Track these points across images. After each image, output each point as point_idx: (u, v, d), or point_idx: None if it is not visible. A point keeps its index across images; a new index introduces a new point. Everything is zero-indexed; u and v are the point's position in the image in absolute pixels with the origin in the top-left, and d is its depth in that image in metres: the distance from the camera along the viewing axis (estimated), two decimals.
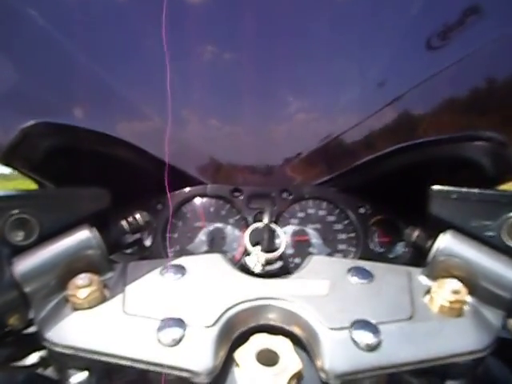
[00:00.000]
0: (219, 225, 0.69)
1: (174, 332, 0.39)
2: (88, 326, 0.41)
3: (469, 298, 0.45)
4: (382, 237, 0.71)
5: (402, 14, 0.56)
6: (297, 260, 0.68)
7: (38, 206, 0.47)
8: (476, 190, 0.49)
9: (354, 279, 0.46)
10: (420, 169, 0.62)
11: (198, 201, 0.70)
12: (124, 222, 0.57)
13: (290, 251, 0.68)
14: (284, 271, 0.53)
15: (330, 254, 0.68)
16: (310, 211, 0.70)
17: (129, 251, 0.67)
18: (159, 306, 0.43)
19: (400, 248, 0.70)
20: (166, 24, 0.50)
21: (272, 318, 0.44)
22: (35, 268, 0.44)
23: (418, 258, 0.54)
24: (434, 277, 0.47)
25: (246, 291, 0.44)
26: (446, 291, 0.43)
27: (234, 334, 0.42)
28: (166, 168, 0.54)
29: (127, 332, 0.40)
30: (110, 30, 0.56)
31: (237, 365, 0.40)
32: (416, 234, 0.57)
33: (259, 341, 0.41)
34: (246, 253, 0.66)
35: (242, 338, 0.41)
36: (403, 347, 0.40)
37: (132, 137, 0.60)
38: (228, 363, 0.40)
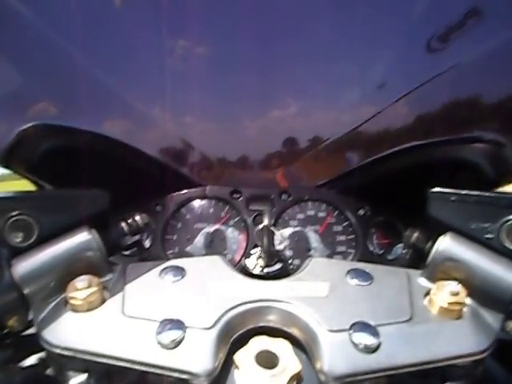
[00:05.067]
0: (218, 226, 0.69)
1: (174, 334, 0.39)
2: (87, 328, 0.41)
3: (468, 300, 0.45)
4: (382, 238, 0.71)
5: (403, 16, 0.56)
6: (296, 262, 0.68)
7: (37, 208, 0.47)
8: (475, 193, 0.49)
9: (354, 281, 0.46)
10: (419, 171, 0.62)
11: (197, 202, 0.70)
12: (123, 224, 0.57)
13: (290, 253, 0.68)
14: (283, 273, 0.53)
15: (329, 256, 0.68)
16: (310, 213, 0.70)
17: (128, 253, 0.67)
18: (159, 307, 0.43)
19: (399, 250, 0.70)
20: (166, 25, 0.51)
21: (271, 320, 0.44)
22: (34, 270, 0.44)
23: (417, 259, 0.54)
24: (433, 279, 0.47)
25: (246, 293, 0.44)
26: (445, 293, 0.43)
27: (234, 335, 0.42)
28: (170, 170, 0.54)
29: (126, 334, 0.40)
30: (108, 32, 0.56)
31: (236, 367, 0.40)
32: (415, 235, 0.57)
33: (258, 343, 0.41)
34: (246, 254, 0.66)
35: (242, 340, 0.41)
36: (402, 349, 0.40)
37: (131, 138, 0.60)
38: (227, 365, 0.40)
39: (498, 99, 0.57)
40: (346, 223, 0.70)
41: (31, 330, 0.44)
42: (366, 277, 0.47)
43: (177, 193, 0.69)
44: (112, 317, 0.42)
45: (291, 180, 0.69)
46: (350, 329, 0.40)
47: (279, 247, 0.61)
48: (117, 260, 0.60)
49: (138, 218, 0.59)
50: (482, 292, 0.44)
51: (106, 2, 0.54)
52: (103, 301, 0.44)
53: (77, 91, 0.55)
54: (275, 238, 0.60)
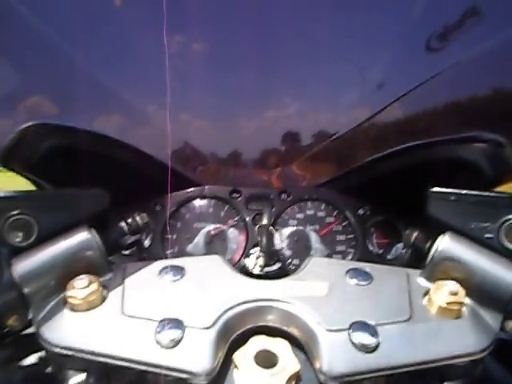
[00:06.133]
0: (218, 226, 0.69)
1: (173, 333, 0.39)
2: (86, 328, 0.41)
3: (467, 300, 0.45)
4: (381, 238, 0.71)
5: (402, 16, 0.56)
6: (295, 261, 0.68)
7: (36, 207, 0.47)
8: (474, 192, 0.49)
9: (353, 281, 0.46)
10: (419, 170, 0.62)
11: (196, 202, 0.70)
12: (123, 224, 0.57)
13: (289, 252, 0.68)
14: (283, 272, 0.53)
15: (328, 255, 0.68)
16: (309, 212, 0.70)
17: (127, 252, 0.67)
18: (158, 307, 0.43)
19: (398, 249, 0.70)
20: (164, 22, 0.50)
21: (270, 320, 0.44)
22: (34, 269, 0.44)
23: (417, 259, 0.54)
24: (432, 278, 0.47)
25: (245, 292, 0.44)
26: (444, 293, 0.43)
27: (233, 335, 0.42)
28: (169, 169, 0.54)
29: (126, 333, 0.40)
30: (108, 31, 0.56)
31: (235, 366, 0.40)
32: (415, 235, 0.57)
33: (257, 342, 0.41)
34: (245, 254, 0.66)
35: (241, 340, 0.41)
36: (401, 349, 0.40)
37: (130, 138, 0.60)
38: (226, 364, 0.40)
39: (497, 99, 0.57)
40: (346, 223, 0.70)
41: (31, 329, 0.44)
42: (365, 276, 0.47)
43: (176, 192, 0.69)
44: (111, 316, 0.42)
45: (291, 179, 0.69)
46: (350, 328, 0.40)
47: (278, 247, 0.61)
48: (116, 259, 0.60)
49: (137, 217, 0.59)
50: (482, 292, 0.44)
51: None
52: (102, 300, 0.44)
53: (75, 90, 0.55)
54: (274, 237, 0.60)
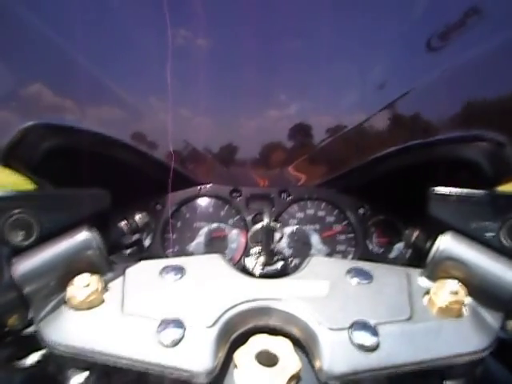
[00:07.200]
0: (218, 225, 0.69)
1: (174, 333, 0.39)
2: (87, 327, 0.41)
3: (468, 299, 0.45)
4: (381, 237, 0.71)
5: (402, 16, 0.56)
6: (296, 261, 0.68)
7: (37, 207, 0.47)
8: (475, 192, 0.49)
9: (354, 280, 0.46)
10: (419, 170, 0.62)
11: (196, 201, 0.70)
12: (123, 223, 0.57)
13: (290, 252, 0.68)
14: (283, 272, 0.53)
15: (329, 255, 0.68)
16: (309, 212, 0.70)
17: (128, 252, 0.67)
18: (158, 306, 0.43)
19: (399, 249, 0.70)
20: (166, 17, 0.50)
21: (271, 319, 0.44)
22: (35, 269, 0.44)
23: (418, 258, 0.54)
24: (433, 278, 0.47)
25: (246, 292, 0.44)
26: (445, 292, 0.43)
27: (234, 334, 0.42)
28: (171, 169, 0.54)
29: (126, 333, 0.40)
30: (109, 30, 0.56)
31: (236, 365, 0.40)
32: (415, 234, 0.57)
33: (258, 342, 0.41)
34: (245, 253, 0.66)
35: (242, 339, 0.41)
36: (402, 348, 0.40)
37: (131, 138, 0.60)
38: (227, 364, 0.40)
39: (497, 98, 0.57)
40: (346, 222, 0.70)
41: (31, 329, 0.44)
42: (365, 276, 0.47)
43: (177, 192, 0.69)
44: (112, 315, 0.42)
45: (291, 179, 0.69)
46: (350, 328, 0.40)
47: (279, 246, 0.61)
48: (117, 259, 0.60)
49: (137, 217, 0.59)
50: (482, 291, 0.44)
51: None
52: (103, 299, 0.44)
53: (77, 90, 0.55)
54: (275, 236, 0.60)
